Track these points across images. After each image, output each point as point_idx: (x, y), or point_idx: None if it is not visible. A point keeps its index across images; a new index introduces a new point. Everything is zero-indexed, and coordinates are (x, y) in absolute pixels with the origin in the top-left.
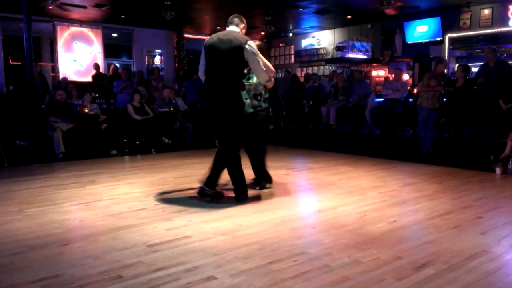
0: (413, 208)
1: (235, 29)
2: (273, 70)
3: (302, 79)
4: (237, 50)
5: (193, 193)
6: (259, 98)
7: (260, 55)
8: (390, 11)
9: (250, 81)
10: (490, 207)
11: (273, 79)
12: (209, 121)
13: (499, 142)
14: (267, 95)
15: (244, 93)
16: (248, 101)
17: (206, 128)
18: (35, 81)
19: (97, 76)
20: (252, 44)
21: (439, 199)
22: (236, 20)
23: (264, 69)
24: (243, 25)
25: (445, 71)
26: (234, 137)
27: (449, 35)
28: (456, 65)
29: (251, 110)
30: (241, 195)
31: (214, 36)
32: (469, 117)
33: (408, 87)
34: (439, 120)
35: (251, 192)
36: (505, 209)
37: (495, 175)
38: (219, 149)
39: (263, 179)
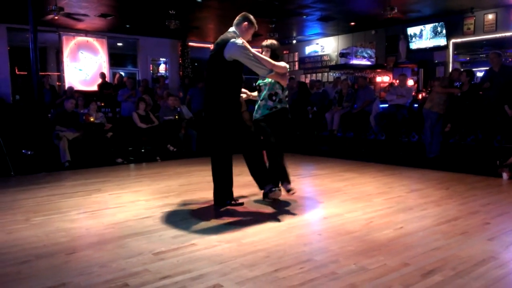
0: (419, 214)
1: (232, 29)
2: (276, 64)
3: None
4: (219, 51)
5: (198, 200)
6: (274, 98)
7: (247, 50)
8: (394, 16)
9: (265, 80)
10: (497, 212)
11: (284, 75)
12: (204, 126)
13: (505, 147)
14: (284, 95)
15: (261, 94)
16: (263, 103)
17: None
18: (44, 91)
19: (103, 85)
20: (235, 41)
21: (445, 205)
22: (239, 19)
23: (257, 62)
24: (246, 23)
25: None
26: (222, 142)
27: (453, 40)
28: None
29: (267, 111)
30: (219, 201)
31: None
32: (475, 122)
33: (413, 93)
34: (445, 126)
35: (256, 198)
36: None
37: (502, 180)
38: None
39: (280, 177)
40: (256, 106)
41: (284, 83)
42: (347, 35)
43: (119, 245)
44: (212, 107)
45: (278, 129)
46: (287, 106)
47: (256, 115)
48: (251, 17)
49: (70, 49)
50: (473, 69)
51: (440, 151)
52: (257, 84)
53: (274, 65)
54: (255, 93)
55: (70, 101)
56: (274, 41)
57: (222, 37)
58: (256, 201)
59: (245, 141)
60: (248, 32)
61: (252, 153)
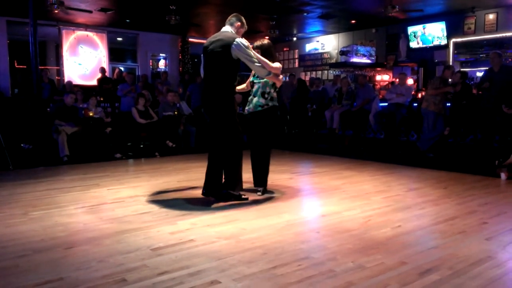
0: (417, 213)
1: (228, 29)
2: (272, 66)
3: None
4: (224, 49)
5: (197, 196)
6: (266, 96)
7: (251, 51)
8: (395, 15)
9: (260, 79)
10: (495, 212)
11: (279, 76)
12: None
13: (504, 148)
14: (275, 94)
15: (253, 90)
16: (255, 99)
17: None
18: (42, 84)
19: (102, 80)
20: (240, 41)
21: (443, 204)
22: (232, 19)
23: (258, 64)
24: (239, 23)
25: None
26: (226, 138)
27: (453, 39)
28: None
29: (259, 108)
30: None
31: (209, 38)
32: (474, 122)
33: (413, 92)
34: (445, 126)
35: (254, 196)
36: (510, 215)
37: (500, 180)
38: (214, 151)
39: (263, 182)
40: (248, 100)
41: (279, 83)
42: (347, 33)
43: (117, 240)
44: (213, 102)
45: (268, 126)
46: (277, 104)
47: (247, 108)
48: (243, 18)
49: (70, 43)
50: (473, 69)
51: (439, 150)
52: (250, 81)
53: (271, 67)
54: (242, 86)
55: (70, 96)
56: (264, 41)
57: (224, 35)
58: (255, 199)
59: (227, 141)
60: (239, 32)
61: (231, 153)
